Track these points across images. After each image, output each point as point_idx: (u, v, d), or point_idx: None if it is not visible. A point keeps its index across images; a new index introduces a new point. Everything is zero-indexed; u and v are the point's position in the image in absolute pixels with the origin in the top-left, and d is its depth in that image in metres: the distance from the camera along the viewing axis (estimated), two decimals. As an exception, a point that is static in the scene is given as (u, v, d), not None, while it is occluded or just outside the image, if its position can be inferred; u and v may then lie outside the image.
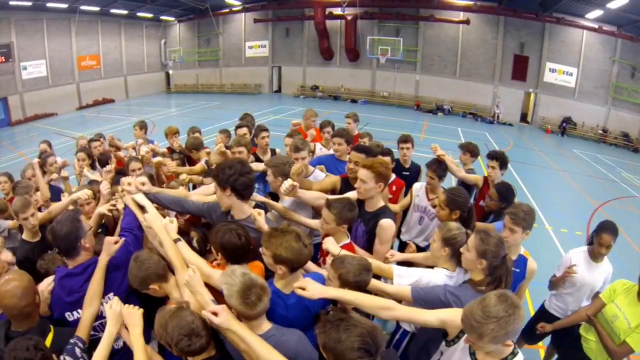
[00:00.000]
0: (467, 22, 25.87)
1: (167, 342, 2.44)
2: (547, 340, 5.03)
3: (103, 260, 3.09)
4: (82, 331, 2.82)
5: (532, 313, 5.55)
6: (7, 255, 4.15)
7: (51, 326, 2.84)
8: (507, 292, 2.36)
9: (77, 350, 2.63)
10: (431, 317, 2.72)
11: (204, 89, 39.11)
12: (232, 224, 3.11)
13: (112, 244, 3.13)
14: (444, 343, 2.81)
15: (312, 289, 2.67)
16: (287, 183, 3.94)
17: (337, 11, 29.44)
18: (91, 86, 33.64)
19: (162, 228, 3.15)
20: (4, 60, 27.20)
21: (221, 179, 3.37)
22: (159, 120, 24.95)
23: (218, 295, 2.69)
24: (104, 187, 4.16)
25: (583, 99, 23.70)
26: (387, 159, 5.25)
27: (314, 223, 3.96)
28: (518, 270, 3.88)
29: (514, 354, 2.43)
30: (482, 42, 26.26)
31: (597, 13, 21.23)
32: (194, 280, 2.69)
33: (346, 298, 2.74)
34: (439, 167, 5.23)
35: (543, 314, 4.78)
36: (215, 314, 2.43)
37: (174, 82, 40.78)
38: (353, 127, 7.37)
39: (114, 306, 2.78)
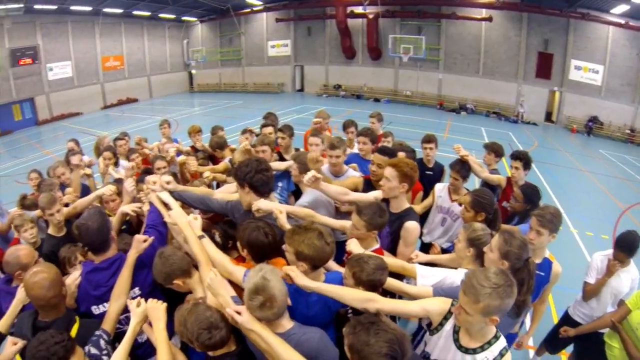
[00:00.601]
0: (489, 19, 25.46)
1: (189, 339, 2.50)
2: (570, 349, 4.90)
3: (132, 257, 3.18)
4: (108, 324, 2.90)
5: (555, 319, 5.48)
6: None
7: (77, 317, 2.93)
8: (507, 270, 2.53)
9: (102, 342, 2.72)
10: (416, 307, 2.77)
11: (227, 88, 39.48)
12: (260, 221, 3.14)
13: (141, 242, 3.22)
14: (427, 333, 2.83)
15: (296, 277, 2.74)
16: (310, 174, 3.94)
17: (359, 9, 29.29)
18: (115, 86, 34.42)
19: (187, 225, 3.19)
20: (31, 62, 28.02)
21: (239, 176, 3.44)
22: (182, 119, 25.27)
23: (241, 293, 2.69)
24: (129, 185, 4.22)
25: (610, 97, 22.88)
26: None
27: (338, 224, 3.93)
28: (543, 273, 3.83)
29: (496, 337, 2.54)
30: (505, 39, 25.65)
31: (623, 8, 20.58)
32: (216, 283, 2.71)
33: (324, 291, 2.79)
34: (462, 167, 5.20)
35: (567, 321, 4.67)
36: (238, 313, 2.46)
37: (197, 82, 41.27)
38: (377, 127, 7.35)
39: (142, 305, 2.86)
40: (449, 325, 2.68)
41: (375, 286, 2.88)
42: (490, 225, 3.81)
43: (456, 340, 2.62)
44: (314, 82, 35.40)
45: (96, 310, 3.19)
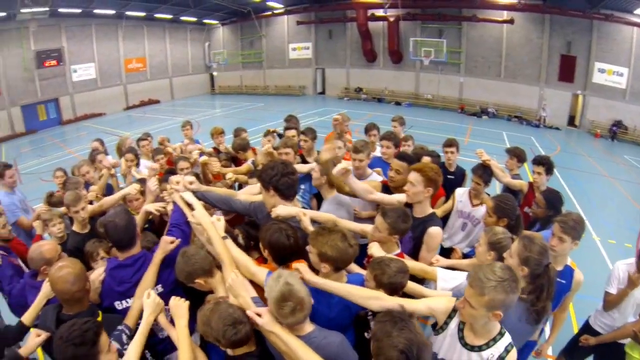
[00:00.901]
0: (511, 21, 24.98)
1: (214, 337, 2.53)
2: (590, 359, 4.81)
3: (158, 257, 3.26)
4: (131, 320, 2.96)
5: (576, 329, 5.38)
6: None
7: (99, 312, 3.02)
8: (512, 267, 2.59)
9: (124, 337, 2.79)
10: (421, 305, 2.79)
11: (248, 90, 39.74)
12: (283, 223, 3.16)
13: (168, 244, 3.31)
14: (432, 332, 2.84)
15: (304, 273, 2.83)
16: (341, 165, 3.96)
17: (380, 12, 29.26)
18: (138, 87, 35.18)
19: (211, 225, 3.22)
20: (56, 63, 28.85)
21: (264, 179, 3.45)
22: (204, 120, 25.54)
23: (262, 293, 2.73)
24: (152, 184, 4.27)
25: (635, 101, 22.03)
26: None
27: (359, 228, 3.94)
28: (564, 281, 3.79)
29: (501, 333, 2.57)
30: (527, 41, 25.16)
31: (647, 8, 19.89)
32: (237, 284, 2.75)
33: (331, 288, 2.84)
34: (484, 172, 5.18)
35: (587, 331, 4.54)
36: (259, 315, 2.50)
37: (218, 84, 41.71)
38: (399, 131, 7.39)
39: (151, 296, 2.95)
40: (453, 324, 2.71)
41: (396, 289, 2.94)
42: (512, 231, 3.79)
43: (461, 338, 2.64)
44: (335, 85, 35.39)
45: (119, 305, 3.28)
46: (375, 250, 3.49)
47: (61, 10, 27.37)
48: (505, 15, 25.27)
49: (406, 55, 30.03)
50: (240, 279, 2.79)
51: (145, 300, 2.95)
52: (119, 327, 2.84)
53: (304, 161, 5.93)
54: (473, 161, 5.39)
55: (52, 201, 5.69)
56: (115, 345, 2.62)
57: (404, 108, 29.07)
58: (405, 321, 2.25)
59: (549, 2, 23.20)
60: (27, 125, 27.88)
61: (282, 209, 3.41)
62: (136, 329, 2.92)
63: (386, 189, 4.76)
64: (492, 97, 26.95)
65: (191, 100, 37.34)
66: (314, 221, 3.51)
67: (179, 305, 2.90)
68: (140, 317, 2.99)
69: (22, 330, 3.50)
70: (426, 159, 5.42)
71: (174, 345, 2.93)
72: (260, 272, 2.98)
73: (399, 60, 30.96)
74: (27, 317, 3.45)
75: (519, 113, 25.61)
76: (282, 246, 3.02)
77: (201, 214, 3.36)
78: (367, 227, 3.83)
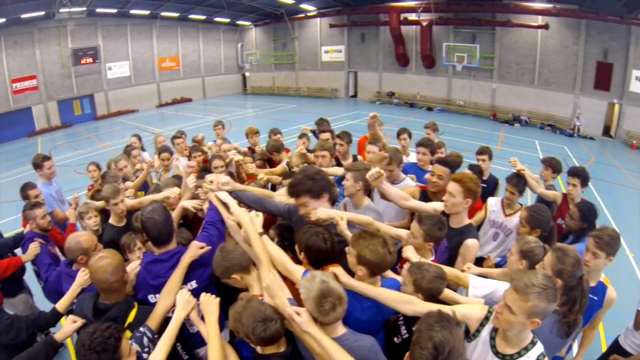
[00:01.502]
0: (545, 26, 24.27)
1: (244, 333, 2.59)
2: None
3: (186, 260, 3.29)
4: (154, 321, 2.98)
5: (604, 347, 5.25)
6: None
7: (135, 303, 3.09)
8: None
9: (145, 340, 2.79)
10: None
11: (280, 91, 40.08)
12: (320, 227, 3.19)
13: (198, 249, 3.34)
14: (464, 340, 2.77)
15: (340, 275, 2.86)
16: (374, 170, 3.95)
17: (412, 17, 29.08)
18: (170, 86, 36.05)
19: (250, 222, 3.25)
20: (91, 61, 30.06)
21: (312, 188, 3.51)
22: (235, 120, 25.90)
23: (296, 292, 2.77)
24: (190, 181, 4.33)
25: None
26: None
27: (394, 232, 3.93)
28: (596, 298, 3.73)
29: (533, 342, 2.55)
30: (562, 48, 24.31)
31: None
32: (275, 285, 2.77)
33: (365, 290, 2.88)
34: (519, 182, 5.13)
35: (616, 350, 4.37)
36: (297, 314, 2.54)
37: (250, 84, 42.16)
38: (433, 137, 7.33)
39: (184, 295, 2.99)
40: (485, 331, 2.71)
41: (433, 295, 2.95)
42: (545, 243, 3.73)
43: (493, 347, 2.64)
44: (367, 89, 35.28)
45: (152, 299, 3.34)
46: (410, 253, 3.49)
47: (98, 10, 28.46)
48: (540, 20, 24.59)
49: (439, 60, 29.73)
50: (278, 280, 2.82)
51: (178, 297, 3.00)
52: (141, 329, 2.86)
53: (339, 165, 5.92)
54: (504, 169, 5.33)
55: (97, 198, 5.81)
56: (135, 348, 2.64)
57: (435, 114, 28.75)
58: (449, 322, 2.24)
59: (585, 7, 22.29)
60: (63, 119, 29.17)
61: (323, 211, 3.44)
62: (159, 332, 2.96)
63: (424, 195, 4.74)
64: (525, 104, 26.34)
65: (223, 100, 37.82)
66: (350, 225, 3.52)
67: (210, 302, 2.93)
68: (164, 319, 3.05)
69: (56, 317, 3.60)
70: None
71: (203, 340, 2.97)
72: (297, 270, 3.00)
73: (432, 65, 30.65)
74: (61, 305, 3.57)
75: (553, 121, 24.86)
76: (319, 250, 3.05)
77: (239, 211, 3.40)
78: (403, 232, 3.83)
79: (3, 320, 3.46)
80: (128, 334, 2.84)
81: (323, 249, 3.04)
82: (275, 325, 2.54)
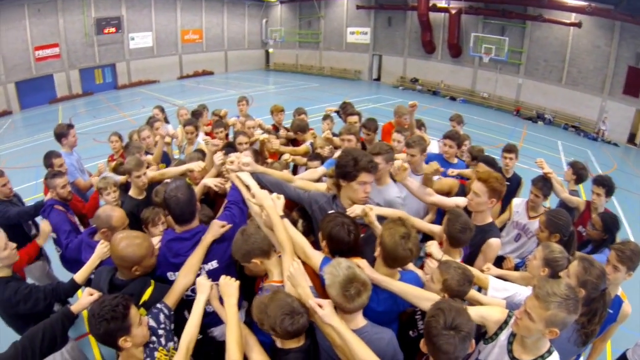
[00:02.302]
0: (578, 24, 23.46)
1: (270, 325, 2.55)
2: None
3: (207, 239, 3.27)
4: (171, 299, 2.98)
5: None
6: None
7: (152, 281, 3.08)
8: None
9: (162, 316, 2.80)
10: (472, 313, 2.72)
11: (303, 69, 40.01)
12: (347, 217, 3.14)
13: (219, 228, 3.32)
14: (482, 341, 2.85)
15: (365, 268, 2.85)
16: (398, 162, 3.91)
17: (442, 3, 28.66)
18: (192, 58, 36.17)
19: (272, 207, 3.19)
20: (114, 31, 30.36)
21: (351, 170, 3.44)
22: (257, 95, 26.02)
23: (316, 280, 2.81)
24: (217, 158, 4.31)
25: None
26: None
27: (427, 227, 3.96)
28: (611, 311, 3.67)
29: (550, 352, 2.55)
30: (594, 48, 23.50)
31: None
32: (298, 274, 2.76)
33: (390, 285, 2.90)
34: (544, 185, 5.07)
35: None
36: (320, 306, 2.53)
37: (273, 60, 42.03)
38: (458, 130, 7.27)
39: (204, 278, 3.00)
40: (503, 336, 2.71)
41: (459, 297, 2.93)
42: (565, 247, 3.70)
43: (510, 352, 2.64)
44: (391, 73, 34.90)
45: (172, 276, 3.33)
46: (434, 249, 3.49)
47: (122, -20, 28.45)
48: (573, 17, 23.80)
49: (465, 50, 29.19)
50: (301, 269, 2.80)
51: (199, 281, 2.99)
52: (158, 306, 2.86)
53: (364, 149, 5.89)
54: (524, 167, 5.21)
55: (120, 170, 5.82)
56: (146, 319, 2.66)
57: (458, 104, 28.41)
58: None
59: (620, 9, 21.43)
60: (84, 87, 29.54)
61: (359, 207, 3.42)
62: (187, 300, 3.01)
63: (463, 190, 4.72)
64: (551, 102, 25.73)
65: (245, 75, 37.78)
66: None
67: (229, 284, 2.91)
68: (181, 297, 3.05)
69: (74, 288, 3.65)
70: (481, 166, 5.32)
71: (218, 319, 3.00)
72: (316, 256, 3.01)
73: (458, 55, 30.16)
74: (79, 276, 3.62)
75: (577, 123, 24.26)
76: (342, 241, 3.00)
77: (262, 194, 3.33)
78: (436, 228, 3.83)
79: (22, 289, 3.48)
80: (143, 311, 2.85)
81: (345, 241, 3.00)
82: (302, 319, 2.54)
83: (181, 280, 3.09)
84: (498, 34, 27.18)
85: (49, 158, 5.71)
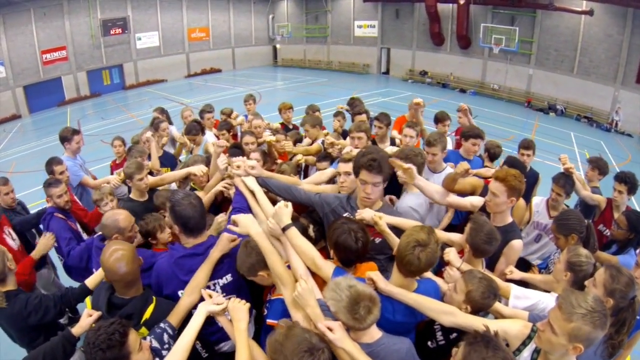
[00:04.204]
0: (590, 12, 22.76)
1: None
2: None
3: (215, 255, 3.09)
4: (175, 318, 2.84)
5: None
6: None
7: (154, 298, 2.94)
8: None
9: (165, 336, 2.67)
10: (493, 326, 2.55)
11: (311, 64, 40.00)
12: (355, 223, 2.98)
13: (228, 242, 3.14)
14: None
15: (378, 281, 2.73)
16: (406, 165, 3.76)
17: (450, -6, 28.21)
18: (200, 56, 36.38)
19: (261, 235, 2.95)
20: (121, 32, 30.68)
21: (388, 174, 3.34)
22: (265, 92, 26.12)
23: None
24: (222, 162, 4.13)
25: None
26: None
27: (446, 237, 3.79)
28: (639, 317, 3.50)
29: None
30: (606, 37, 22.85)
31: None
32: (306, 293, 2.59)
33: (406, 298, 2.75)
34: (567, 182, 4.86)
35: None
36: (330, 329, 2.36)
37: (281, 56, 42.06)
38: (464, 122, 7.24)
39: (210, 294, 2.86)
40: (527, 352, 2.54)
41: (482, 309, 2.83)
42: (585, 245, 3.67)
43: None
44: (400, 66, 34.63)
45: (182, 294, 3.14)
46: (452, 257, 3.35)
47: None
48: (584, 5, 23.16)
49: (475, 42, 28.84)
50: (309, 287, 2.63)
51: (200, 306, 2.82)
52: (162, 325, 2.72)
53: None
54: (538, 160, 5.02)
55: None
56: (147, 343, 2.53)
57: (468, 96, 28.08)
58: (495, 341, 2.11)
59: None
60: (92, 88, 29.97)
61: (368, 212, 3.31)
62: (180, 329, 2.83)
63: (487, 189, 4.56)
64: (562, 93, 25.17)
65: (253, 71, 37.86)
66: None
67: (239, 309, 2.73)
68: (186, 316, 2.90)
69: (84, 293, 3.58)
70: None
71: (227, 335, 2.87)
72: (327, 267, 2.88)
73: (467, 46, 29.78)
74: (91, 281, 3.55)
75: (590, 114, 23.72)
76: (349, 249, 2.87)
77: (246, 222, 3.07)
78: (455, 237, 3.68)
79: (31, 299, 3.40)
80: (144, 330, 2.75)
81: (353, 249, 2.86)
82: (324, 355, 2.24)
83: (186, 299, 2.94)
84: (508, 24, 26.75)
85: (50, 165, 5.58)
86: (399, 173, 3.80)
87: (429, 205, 4.52)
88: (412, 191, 4.43)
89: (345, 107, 8.19)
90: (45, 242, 4.63)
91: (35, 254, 4.63)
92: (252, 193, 3.47)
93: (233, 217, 3.08)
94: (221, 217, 3.87)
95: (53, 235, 4.68)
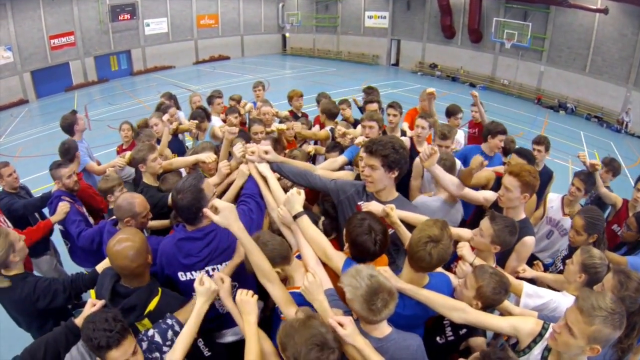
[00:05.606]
0: (605, 11, 22.31)
1: (293, 354, 2.16)
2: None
3: (231, 266, 3.11)
4: (184, 315, 2.73)
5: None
6: None
7: (160, 289, 2.86)
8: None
9: (170, 333, 2.59)
10: (504, 323, 2.68)
11: (320, 54, 39.99)
12: (377, 224, 2.85)
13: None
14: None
15: (390, 278, 2.59)
16: (428, 148, 3.70)
17: (463, -13, 27.96)
18: (208, 43, 36.46)
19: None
20: (129, 17, 30.76)
21: (393, 160, 3.18)
22: (274, 80, 26.17)
23: (335, 280, 2.61)
24: (238, 149, 3.82)
25: None
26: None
27: (454, 232, 3.66)
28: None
29: None
30: (620, 36, 22.43)
31: None
32: (314, 287, 2.53)
33: (416, 294, 2.71)
34: (588, 179, 4.81)
35: None
36: (341, 325, 2.28)
37: (290, 45, 42.03)
38: (477, 117, 7.37)
39: (205, 283, 2.68)
40: (537, 350, 2.51)
41: (492, 305, 2.80)
42: (597, 244, 3.67)
43: None
44: (410, 58, 34.47)
45: (182, 277, 3.11)
46: (465, 252, 3.28)
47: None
48: (599, 3, 22.76)
49: (486, 36, 28.55)
50: (317, 281, 2.56)
51: (198, 287, 2.67)
52: (168, 322, 2.63)
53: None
54: (548, 158, 4.93)
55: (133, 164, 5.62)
56: (140, 349, 2.44)
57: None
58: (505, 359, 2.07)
59: None
60: (100, 74, 30.06)
61: (375, 205, 3.22)
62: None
63: (499, 182, 4.47)
64: (573, 91, 24.85)
65: (262, 59, 37.89)
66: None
67: (247, 302, 2.62)
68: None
69: (95, 279, 3.45)
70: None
71: (232, 321, 2.77)
72: (338, 257, 2.83)
73: (478, 40, 29.51)
74: (102, 268, 3.42)
75: (600, 113, 23.37)
76: (366, 251, 2.79)
77: (279, 192, 3.13)
78: (464, 232, 3.57)
79: (40, 283, 3.34)
80: (147, 322, 2.69)
81: (370, 251, 2.78)
82: (333, 356, 2.13)
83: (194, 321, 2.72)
84: (520, 19, 26.43)
85: (70, 149, 5.52)
86: (422, 155, 3.73)
87: (446, 212, 4.42)
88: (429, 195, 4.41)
89: (358, 103, 8.07)
90: (62, 207, 4.62)
91: (55, 217, 4.65)
92: (264, 179, 3.39)
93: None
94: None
95: (67, 204, 4.66)
